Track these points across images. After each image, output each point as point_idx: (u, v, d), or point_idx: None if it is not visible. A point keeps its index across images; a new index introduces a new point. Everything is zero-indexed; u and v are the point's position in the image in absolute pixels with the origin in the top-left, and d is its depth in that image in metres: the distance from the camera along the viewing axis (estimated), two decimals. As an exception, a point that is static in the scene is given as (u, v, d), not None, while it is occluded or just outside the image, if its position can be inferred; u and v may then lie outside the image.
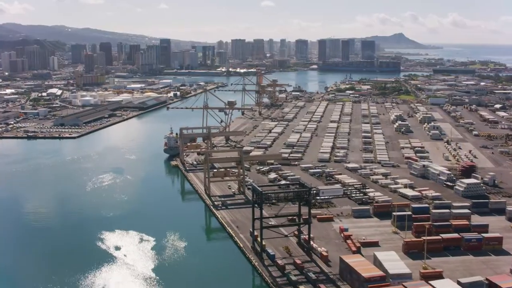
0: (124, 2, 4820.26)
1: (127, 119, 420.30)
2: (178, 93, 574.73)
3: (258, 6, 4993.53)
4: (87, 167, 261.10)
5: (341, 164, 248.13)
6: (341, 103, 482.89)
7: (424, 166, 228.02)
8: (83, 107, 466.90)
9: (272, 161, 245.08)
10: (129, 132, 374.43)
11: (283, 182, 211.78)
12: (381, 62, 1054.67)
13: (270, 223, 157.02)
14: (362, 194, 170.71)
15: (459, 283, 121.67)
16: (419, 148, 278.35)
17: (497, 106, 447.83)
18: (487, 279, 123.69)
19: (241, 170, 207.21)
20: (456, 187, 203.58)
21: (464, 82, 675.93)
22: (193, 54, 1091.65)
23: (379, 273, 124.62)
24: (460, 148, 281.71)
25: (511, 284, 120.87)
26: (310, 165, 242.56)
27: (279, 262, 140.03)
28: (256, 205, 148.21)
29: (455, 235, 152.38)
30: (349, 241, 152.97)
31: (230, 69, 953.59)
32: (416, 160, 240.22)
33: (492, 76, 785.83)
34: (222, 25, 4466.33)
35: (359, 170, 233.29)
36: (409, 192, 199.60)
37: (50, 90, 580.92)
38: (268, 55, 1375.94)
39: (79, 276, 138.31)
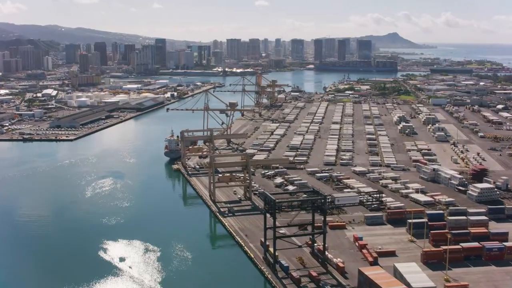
0: (117, 1, 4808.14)
1: (124, 120, 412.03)
2: (175, 93, 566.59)
3: (252, 6, 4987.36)
4: (86, 171, 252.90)
5: (348, 167, 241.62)
6: (342, 103, 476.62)
7: (434, 169, 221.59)
8: (79, 108, 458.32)
9: (277, 165, 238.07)
10: (127, 134, 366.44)
11: (290, 187, 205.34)
12: (378, 62, 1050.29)
13: (280, 231, 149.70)
14: (378, 203, 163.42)
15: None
16: (426, 151, 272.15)
17: (499, 106, 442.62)
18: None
19: (247, 175, 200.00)
20: (469, 192, 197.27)
21: (463, 82, 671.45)
22: (188, 54, 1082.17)
23: (402, 286, 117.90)
24: (467, 150, 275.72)
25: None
26: (317, 169, 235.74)
27: (294, 274, 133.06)
28: (268, 214, 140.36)
29: (476, 244, 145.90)
30: (365, 251, 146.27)
31: (226, 69, 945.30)
32: (425, 164, 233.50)
33: (490, 76, 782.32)
34: (216, 25, 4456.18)
35: (367, 174, 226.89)
36: (422, 197, 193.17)
37: (45, 91, 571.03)
38: (263, 54, 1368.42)
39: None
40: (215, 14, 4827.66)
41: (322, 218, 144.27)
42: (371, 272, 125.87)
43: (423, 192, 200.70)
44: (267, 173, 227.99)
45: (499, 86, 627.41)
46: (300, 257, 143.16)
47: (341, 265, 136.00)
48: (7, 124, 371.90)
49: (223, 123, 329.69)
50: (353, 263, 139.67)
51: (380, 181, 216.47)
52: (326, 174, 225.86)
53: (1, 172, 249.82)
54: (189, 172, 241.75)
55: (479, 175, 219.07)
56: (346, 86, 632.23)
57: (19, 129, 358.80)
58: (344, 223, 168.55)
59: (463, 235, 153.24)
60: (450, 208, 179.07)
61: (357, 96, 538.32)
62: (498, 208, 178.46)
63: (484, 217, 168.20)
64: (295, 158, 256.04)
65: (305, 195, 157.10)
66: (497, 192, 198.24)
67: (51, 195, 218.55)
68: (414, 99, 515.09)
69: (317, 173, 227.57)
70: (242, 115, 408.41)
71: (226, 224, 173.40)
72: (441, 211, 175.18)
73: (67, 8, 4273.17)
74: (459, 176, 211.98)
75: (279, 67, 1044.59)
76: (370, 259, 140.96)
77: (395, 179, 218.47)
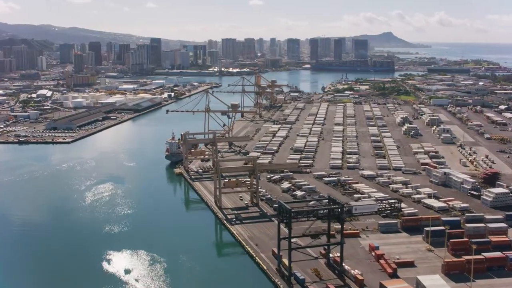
0: (110, 1, 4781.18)
1: (122, 122, 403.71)
2: (173, 94, 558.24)
3: (246, 5, 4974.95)
4: (85, 175, 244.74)
5: (355, 171, 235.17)
6: (342, 104, 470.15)
7: (445, 173, 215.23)
8: (75, 109, 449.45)
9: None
10: (125, 136, 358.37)
11: (298, 192, 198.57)
12: (375, 62, 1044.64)
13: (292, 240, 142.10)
14: (397, 211, 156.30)
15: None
16: (434, 153, 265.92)
17: (502, 107, 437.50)
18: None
19: (254, 180, 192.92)
20: (484, 197, 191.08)
21: (462, 82, 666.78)
22: (184, 54, 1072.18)
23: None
24: (475, 152, 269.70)
25: None
26: (324, 172, 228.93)
27: (310, 287, 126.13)
28: (283, 224, 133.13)
29: (499, 253, 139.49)
30: (382, 261, 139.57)
31: (223, 69, 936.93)
32: (434, 167, 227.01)
33: (489, 75, 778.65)
34: (210, 24, 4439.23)
35: (376, 178, 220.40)
36: (435, 203, 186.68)
37: (40, 91, 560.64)
38: (258, 54, 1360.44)
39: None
40: (209, 14, 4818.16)
41: (340, 228, 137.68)
42: (394, 286, 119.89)
43: (435, 197, 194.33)
44: (273, 177, 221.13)
45: (498, 86, 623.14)
46: (316, 269, 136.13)
47: (360, 277, 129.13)
48: (2, 126, 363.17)
49: (224, 125, 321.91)
50: (371, 274, 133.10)
51: (390, 185, 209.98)
52: (334, 178, 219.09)
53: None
54: (192, 176, 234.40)
55: (491, 179, 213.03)
56: (345, 86, 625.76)
57: (15, 131, 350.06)
58: (358, 231, 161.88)
59: (483, 244, 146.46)
60: (466, 214, 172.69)
61: (357, 96, 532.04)
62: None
63: (503, 224, 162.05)
64: (300, 161, 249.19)
65: (317, 202, 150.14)
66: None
67: (50, 201, 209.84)
68: (414, 99, 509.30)
69: (325, 177, 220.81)
70: (242, 116, 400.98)
71: (234, 232, 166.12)
72: (458, 218, 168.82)
73: (60, 8, 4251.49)
74: (472, 180, 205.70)
75: (275, 67, 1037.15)
76: (389, 270, 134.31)
77: (405, 184, 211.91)
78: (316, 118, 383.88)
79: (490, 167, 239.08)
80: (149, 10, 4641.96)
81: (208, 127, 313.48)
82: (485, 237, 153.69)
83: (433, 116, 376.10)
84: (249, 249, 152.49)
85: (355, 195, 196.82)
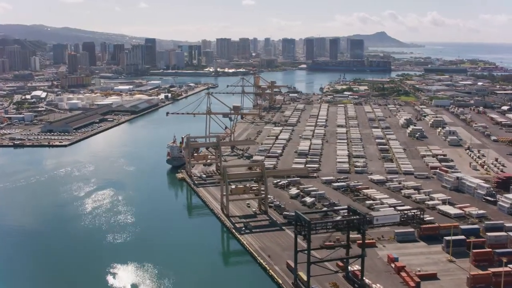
0: (102, 1, 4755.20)
1: (119, 124, 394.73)
2: (169, 95, 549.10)
3: (239, 5, 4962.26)
4: (83, 181, 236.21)
5: (364, 175, 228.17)
6: (342, 105, 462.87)
7: (458, 178, 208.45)
8: (71, 110, 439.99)
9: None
10: (123, 139, 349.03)
11: (308, 199, 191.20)
12: (372, 62, 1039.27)
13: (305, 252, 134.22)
14: (420, 222, 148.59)
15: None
16: (442, 156, 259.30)
17: (505, 107, 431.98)
18: None
19: (263, 186, 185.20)
20: (500, 203, 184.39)
21: (461, 82, 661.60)
22: (179, 54, 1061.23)
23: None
24: (483, 155, 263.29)
25: None
26: (332, 177, 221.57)
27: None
28: (302, 236, 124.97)
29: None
30: (403, 274, 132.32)
31: (218, 69, 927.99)
32: (446, 171, 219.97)
33: (487, 75, 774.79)
34: (203, 24, 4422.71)
35: (386, 183, 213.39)
36: (451, 209, 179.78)
37: (34, 93, 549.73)
38: (253, 54, 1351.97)
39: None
40: (201, 14, 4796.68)
41: (356, 237, 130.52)
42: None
43: (450, 203, 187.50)
44: (280, 183, 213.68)
45: (497, 86, 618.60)
46: (335, 283, 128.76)
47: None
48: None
49: (226, 127, 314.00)
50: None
51: (402, 191, 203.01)
52: (343, 183, 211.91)
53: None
54: (195, 182, 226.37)
55: (505, 183, 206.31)
56: (344, 87, 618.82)
57: (9, 133, 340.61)
58: (374, 241, 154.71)
59: (507, 254, 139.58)
60: (486, 222, 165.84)
61: (356, 97, 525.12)
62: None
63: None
64: (306, 165, 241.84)
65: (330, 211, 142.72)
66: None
67: (49, 209, 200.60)
68: (415, 100, 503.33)
69: (333, 182, 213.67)
70: (242, 118, 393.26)
71: (244, 242, 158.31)
72: (477, 226, 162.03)
73: (52, 8, 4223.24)
74: (486, 185, 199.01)
75: (270, 67, 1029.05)
76: (412, 284, 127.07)
77: (417, 189, 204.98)
78: (318, 120, 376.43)
79: (502, 171, 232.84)
80: (141, 10, 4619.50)
81: (209, 129, 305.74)
82: (507, 246, 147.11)
83: (436, 117, 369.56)
84: (262, 261, 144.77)
85: (367, 202, 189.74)
